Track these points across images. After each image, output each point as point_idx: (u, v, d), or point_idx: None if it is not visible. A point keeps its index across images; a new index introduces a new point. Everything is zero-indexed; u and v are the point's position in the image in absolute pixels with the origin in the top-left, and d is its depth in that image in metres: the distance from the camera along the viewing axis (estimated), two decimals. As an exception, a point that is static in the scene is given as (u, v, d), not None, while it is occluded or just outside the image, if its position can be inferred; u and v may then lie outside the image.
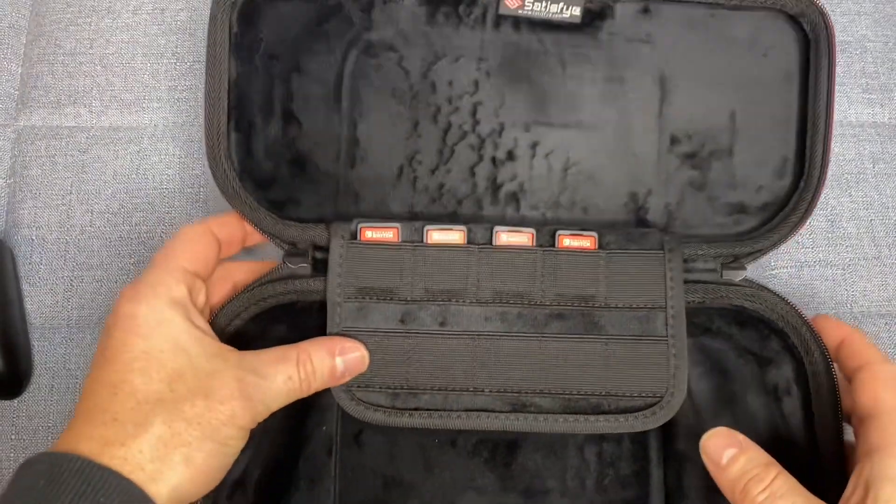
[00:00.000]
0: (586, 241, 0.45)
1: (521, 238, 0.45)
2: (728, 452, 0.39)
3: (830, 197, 0.53)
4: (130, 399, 0.38)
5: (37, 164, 0.48)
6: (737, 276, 0.46)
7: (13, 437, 0.48)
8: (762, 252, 0.46)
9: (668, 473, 0.47)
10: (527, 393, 0.43)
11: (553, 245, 0.45)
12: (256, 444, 0.45)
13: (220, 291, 0.46)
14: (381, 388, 0.43)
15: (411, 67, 0.46)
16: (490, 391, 0.43)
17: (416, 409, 0.43)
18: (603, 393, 0.43)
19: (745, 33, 0.47)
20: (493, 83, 0.46)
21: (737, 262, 0.46)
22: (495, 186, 0.47)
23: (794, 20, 0.46)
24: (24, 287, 0.49)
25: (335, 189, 0.47)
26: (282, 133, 0.46)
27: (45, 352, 0.50)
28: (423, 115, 0.47)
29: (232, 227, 0.45)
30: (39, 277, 0.49)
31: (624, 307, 0.44)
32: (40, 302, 0.49)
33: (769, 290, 0.46)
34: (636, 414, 0.43)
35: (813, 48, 0.46)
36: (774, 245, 0.46)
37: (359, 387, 0.43)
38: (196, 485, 0.38)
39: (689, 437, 0.47)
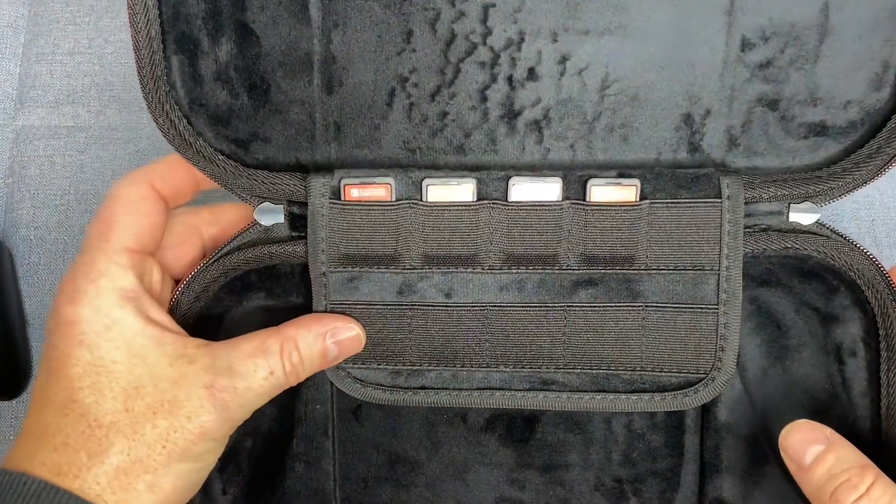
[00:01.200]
0: (627, 192, 0.36)
1: (544, 188, 0.36)
2: (813, 450, 0.33)
3: None
4: (81, 422, 0.32)
5: (35, 164, 0.47)
6: (807, 219, 0.38)
7: (13, 437, 0.47)
8: (843, 190, 0.38)
9: (706, 444, 0.42)
10: (550, 369, 0.37)
11: (583, 197, 0.36)
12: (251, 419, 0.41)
13: (186, 255, 0.38)
14: (379, 365, 0.37)
15: (400, -44, 0.34)
16: (506, 367, 0.37)
17: (421, 388, 0.37)
18: (638, 368, 0.37)
19: None
20: (511, -25, 0.35)
21: (808, 202, 0.38)
22: (513, 114, 0.37)
23: None
24: (23, 287, 0.48)
25: (310, 120, 0.37)
26: (237, 52, 0.36)
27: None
28: (418, 22, 0.35)
29: (178, 177, 0.36)
30: (38, 278, 0.48)
31: (668, 269, 0.36)
32: (39, 302, 0.48)
33: (844, 239, 0.38)
34: (675, 393, 0.37)
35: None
36: (859, 182, 0.37)
37: (354, 363, 0.37)
38: None
39: (733, 408, 0.41)
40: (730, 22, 0.36)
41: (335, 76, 0.36)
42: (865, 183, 0.37)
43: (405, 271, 0.36)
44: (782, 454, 0.35)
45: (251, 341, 0.34)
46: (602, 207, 0.36)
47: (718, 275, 0.36)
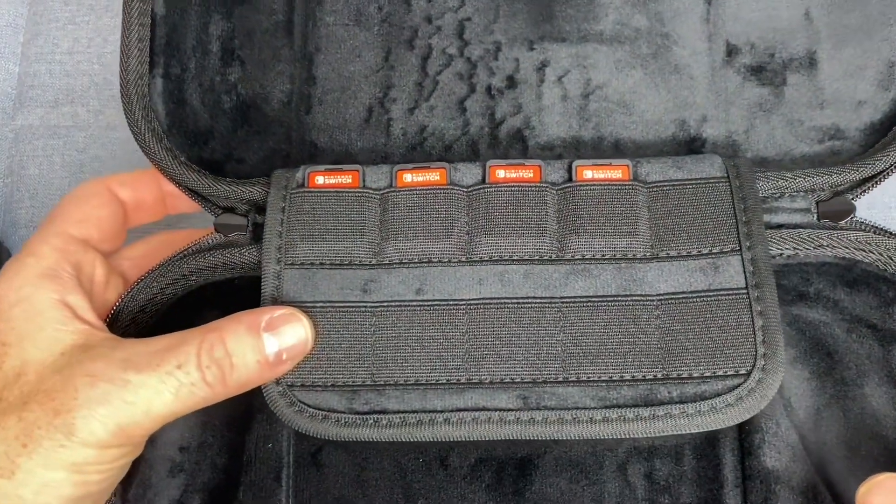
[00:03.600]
0: (615, 172, 0.32)
1: (524, 174, 0.33)
2: None
3: None
4: None
5: (34, 164, 0.46)
6: (842, 216, 0.33)
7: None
8: (872, 181, 0.33)
9: (751, 501, 0.32)
10: (544, 383, 0.30)
11: (570, 180, 0.32)
12: (193, 465, 0.34)
13: (150, 264, 0.35)
14: (333, 385, 0.30)
15: (379, -16, 0.37)
16: (490, 382, 0.30)
17: (382, 413, 0.30)
18: (659, 376, 0.29)
19: None
20: (484, -8, 0.36)
21: (837, 197, 0.33)
22: (494, 124, 0.36)
23: None
24: None
25: (286, 140, 0.36)
26: (221, 77, 0.37)
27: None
28: (396, 40, 0.36)
29: (141, 187, 0.35)
30: (36, 278, 0.44)
31: (678, 256, 0.31)
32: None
33: (891, 233, 0.32)
34: (713, 402, 0.29)
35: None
36: (889, 168, 0.33)
37: (303, 386, 0.30)
38: None
39: (782, 449, 0.32)
40: (710, 29, 0.35)
41: (314, 96, 0.36)
42: (893, 168, 0.33)
43: (372, 266, 0.32)
44: None
45: (170, 336, 0.29)
46: (592, 185, 0.32)
47: (741, 255, 0.30)
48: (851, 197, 0.33)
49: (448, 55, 0.36)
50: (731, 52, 0.35)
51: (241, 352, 0.29)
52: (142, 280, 0.33)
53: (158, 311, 0.33)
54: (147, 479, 0.33)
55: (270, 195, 0.33)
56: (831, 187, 0.33)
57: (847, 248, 0.32)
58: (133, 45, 0.35)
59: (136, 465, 0.33)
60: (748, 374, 0.29)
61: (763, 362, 0.29)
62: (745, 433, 0.33)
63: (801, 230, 0.32)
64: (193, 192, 0.34)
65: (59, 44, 0.47)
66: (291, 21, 0.37)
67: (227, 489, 0.34)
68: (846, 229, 0.32)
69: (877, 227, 0.32)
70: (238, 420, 0.34)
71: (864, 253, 0.32)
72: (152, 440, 0.33)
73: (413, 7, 0.36)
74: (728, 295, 0.30)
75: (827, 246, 0.32)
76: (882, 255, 0.31)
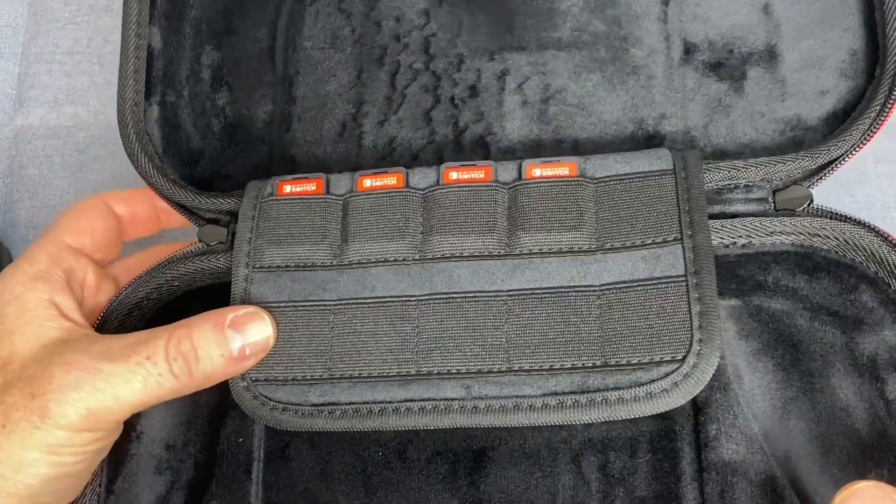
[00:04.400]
0: (563, 169, 0.33)
1: (475, 174, 0.34)
2: None
3: (832, 197, 0.42)
4: None
5: (34, 164, 0.46)
6: (799, 203, 0.32)
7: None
8: (827, 169, 0.32)
9: (708, 493, 0.31)
10: (488, 373, 0.30)
11: (520, 179, 0.33)
12: (178, 463, 0.36)
13: None
14: (293, 379, 0.32)
15: (352, 8, 0.39)
16: (438, 373, 0.31)
17: (335, 405, 0.31)
18: (597, 363, 0.30)
19: None
20: (447, 9, 0.38)
21: (793, 186, 0.32)
22: (457, 132, 0.37)
23: None
24: None
25: (268, 156, 0.39)
26: (210, 102, 0.40)
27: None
28: (368, 59, 0.39)
29: (136, 203, 0.38)
30: (36, 278, 0.45)
31: (622, 247, 0.31)
32: (36, 301, 0.44)
33: (850, 218, 0.31)
34: (647, 387, 0.29)
35: None
36: (842, 156, 0.32)
37: (266, 380, 0.32)
38: None
39: (739, 440, 0.31)
40: (667, 29, 0.36)
41: (294, 114, 0.39)
42: (853, 152, 0.32)
43: (332, 267, 0.33)
44: None
45: (144, 332, 0.31)
46: (540, 183, 0.33)
47: (682, 244, 0.30)
48: (809, 185, 0.32)
49: (415, 70, 0.38)
50: (689, 50, 0.36)
51: (206, 346, 0.31)
52: (129, 285, 0.36)
53: (145, 315, 0.36)
54: (133, 475, 0.35)
55: (243, 205, 0.35)
56: (787, 176, 0.32)
57: (802, 233, 0.31)
58: (129, 75, 0.38)
59: (123, 459, 0.35)
60: (683, 359, 0.29)
61: (699, 347, 0.29)
62: (701, 425, 0.32)
63: (757, 219, 0.32)
64: (180, 206, 0.37)
65: (59, 44, 0.47)
66: (274, 48, 0.40)
67: (205, 484, 0.36)
68: (804, 215, 0.32)
69: (834, 212, 0.32)
70: (216, 419, 0.36)
71: (820, 239, 0.31)
72: (139, 438, 0.36)
73: (383, 27, 0.38)
74: (667, 283, 0.30)
75: (780, 232, 0.31)
76: (839, 240, 0.31)
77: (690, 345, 0.29)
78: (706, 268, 0.30)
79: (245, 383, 0.32)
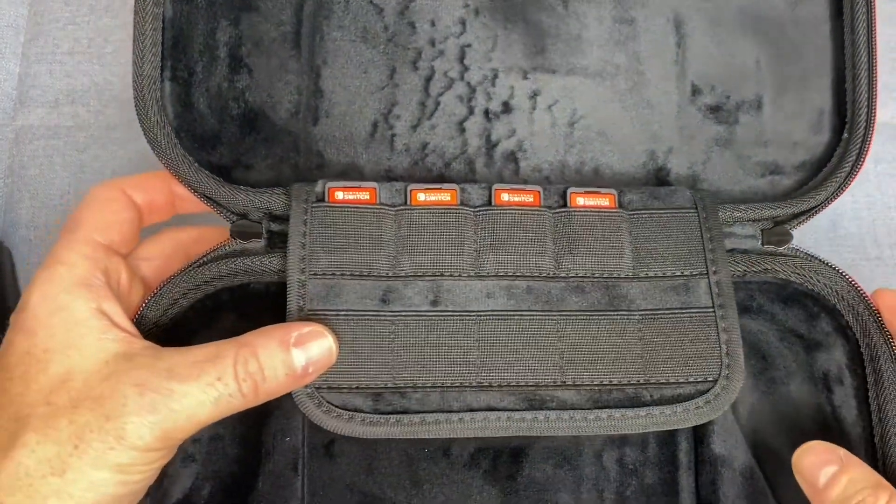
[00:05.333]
0: (604, 200, 0.37)
1: (525, 198, 0.37)
2: (826, 471, 0.32)
3: None
4: (3, 415, 0.29)
5: (34, 164, 0.46)
6: (782, 243, 0.39)
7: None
8: (806, 214, 0.39)
9: (702, 481, 0.39)
10: (545, 386, 0.34)
11: (565, 206, 0.37)
12: (204, 456, 0.36)
13: (169, 269, 0.36)
14: (357, 388, 0.33)
15: (385, 4, 0.39)
16: (499, 385, 0.34)
17: (404, 413, 0.33)
18: (642, 381, 0.34)
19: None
20: (483, 22, 0.39)
21: (778, 227, 0.39)
22: (490, 145, 0.39)
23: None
24: (23, 287, 0.43)
25: (294, 150, 0.38)
26: (228, 83, 0.38)
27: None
28: (401, 60, 0.39)
29: (153, 190, 0.36)
30: (37, 277, 0.43)
31: (655, 276, 0.36)
32: (37, 302, 0.43)
33: (821, 261, 0.38)
34: (686, 404, 0.34)
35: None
36: (819, 205, 0.39)
37: (329, 388, 0.33)
38: None
39: (726, 438, 0.38)
40: (679, 70, 0.40)
41: (321, 108, 0.38)
42: (828, 203, 0.39)
43: (389, 277, 0.35)
44: (796, 476, 0.33)
45: (205, 348, 0.31)
46: (584, 213, 0.36)
47: (708, 278, 0.36)
48: (790, 226, 0.39)
49: (449, 78, 0.39)
50: (695, 91, 0.40)
51: (272, 366, 0.31)
52: (164, 286, 0.34)
53: (178, 313, 0.35)
54: (163, 470, 0.35)
55: (293, 208, 0.35)
56: (773, 219, 0.39)
57: (785, 271, 0.38)
58: (147, 49, 0.35)
59: None
60: (715, 381, 0.34)
61: (727, 371, 0.35)
62: (698, 425, 0.39)
63: (750, 255, 0.38)
64: (208, 199, 0.36)
65: (59, 44, 0.47)
66: (299, 33, 0.38)
67: (241, 478, 0.37)
68: (785, 254, 0.38)
69: (808, 254, 0.39)
70: (251, 415, 0.37)
71: (797, 275, 0.38)
72: None
73: (417, 29, 0.39)
74: (698, 312, 0.35)
75: (770, 269, 0.38)
76: (811, 278, 0.38)
77: (720, 369, 0.34)
78: (730, 302, 0.35)
79: (308, 390, 0.33)
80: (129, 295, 0.34)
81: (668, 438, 0.39)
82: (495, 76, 0.39)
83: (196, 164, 0.36)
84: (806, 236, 0.49)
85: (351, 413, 0.33)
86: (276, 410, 0.37)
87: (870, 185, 0.48)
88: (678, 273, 0.36)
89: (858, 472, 0.32)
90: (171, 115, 0.36)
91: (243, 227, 0.36)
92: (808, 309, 0.39)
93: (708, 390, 0.34)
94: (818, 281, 0.38)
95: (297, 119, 0.38)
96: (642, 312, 0.35)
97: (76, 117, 0.46)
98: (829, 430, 0.38)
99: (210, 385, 0.30)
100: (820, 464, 0.32)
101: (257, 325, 0.35)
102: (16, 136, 0.46)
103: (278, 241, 0.36)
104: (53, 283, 0.31)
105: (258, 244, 0.36)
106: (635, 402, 0.34)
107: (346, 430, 0.33)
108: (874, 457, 0.37)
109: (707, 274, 0.36)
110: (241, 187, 0.36)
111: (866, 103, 0.39)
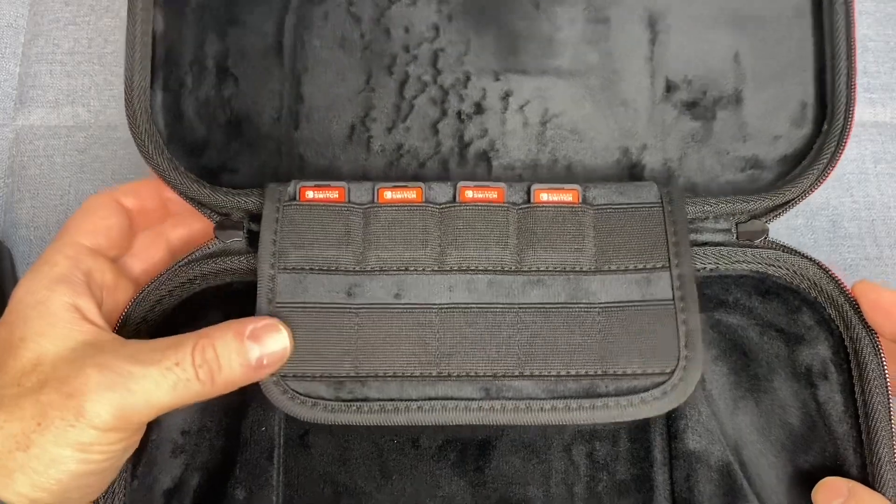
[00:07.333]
0: (567, 195, 0.37)
1: (489, 195, 0.38)
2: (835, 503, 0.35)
3: (832, 197, 0.49)
4: None
5: (35, 164, 0.46)
6: (756, 236, 0.38)
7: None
8: (783, 208, 0.39)
9: (676, 477, 0.38)
10: (503, 377, 0.35)
11: (529, 201, 0.38)
12: (193, 447, 0.38)
13: (151, 257, 0.39)
14: (321, 376, 0.35)
15: (362, 13, 0.40)
16: (458, 375, 0.35)
17: (364, 401, 0.35)
18: (598, 372, 0.35)
19: (744, -35, 0.40)
20: (456, 27, 0.40)
21: (753, 221, 0.39)
22: (462, 145, 0.40)
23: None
24: None
25: (276, 153, 0.40)
26: (215, 92, 0.40)
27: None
28: (377, 66, 0.40)
29: (144, 197, 0.39)
30: (37, 277, 0.45)
31: (618, 270, 0.36)
32: (37, 301, 0.45)
33: (798, 253, 0.38)
34: (641, 395, 0.34)
35: (826, -26, 0.39)
36: (796, 199, 0.39)
37: (294, 376, 0.35)
38: None
39: (702, 433, 0.38)
40: (652, 67, 0.41)
41: (302, 113, 0.40)
42: (804, 196, 0.39)
43: (355, 272, 0.36)
44: None
45: (168, 339, 0.33)
46: (547, 207, 0.37)
47: (670, 272, 0.36)
48: (766, 220, 0.39)
49: (423, 82, 0.40)
50: (670, 88, 0.41)
51: (227, 355, 0.33)
52: (149, 286, 0.37)
53: (165, 310, 0.37)
54: (153, 459, 0.37)
55: (265, 207, 0.37)
56: (749, 212, 0.39)
57: (760, 263, 0.37)
58: (137, 62, 0.38)
59: (144, 446, 0.37)
60: (672, 372, 0.34)
61: (685, 363, 0.34)
62: (671, 420, 0.39)
63: (722, 247, 0.38)
64: (192, 200, 0.38)
65: (59, 44, 0.47)
66: (281, 43, 0.41)
67: (223, 467, 0.38)
68: (760, 247, 0.38)
69: (785, 246, 0.38)
70: (234, 407, 0.39)
71: (774, 268, 0.38)
72: (158, 425, 0.38)
73: (392, 36, 0.40)
74: (658, 305, 0.35)
75: (743, 261, 0.37)
76: (788, 270, 0.37)
77: (678, 360, 0.34)
78: (690, 294, 0.35)
79: (275, 378, 0.35)
80: (115, 293, 0.37)
81: (640, 434, 0.39)
82: (467, 78, 0.40)
83: (182, 169, 0.38)
84: (806, 237, 0.49)
85: (314, 400, 0.35)
86: (253, 402, 0.39)
87: (869, 186, 0.48)
88: (641, 266, 0.36)
89: (864, 501, 0.34)
90: (162, 125, 0.39)
91: (225, 227, 0.38)
92: (789, 302, 0.38)
93: (665, 381, 0.34)
94: (795, 272, 0.37)
95: (280, 124, 0.40)
96: (603, 305, 0.36)
97: (76, 117, 0.47)
98: (815, 427, 0.37)
99: (168, 370, 0.32)
100: (828, 499, 0.35)
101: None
102: (16, 136, 0.47)
103: (257, 240, 0.38)
104: (36, 279, 0.34)
105: (239, 243, 0.38)
106: (591, 393, 0.34)
107: (309, 417, 0.35)
108: (862, 454, 0.36)
109: (669, 267, 0.36)
110: (223, 189, 0.38)
111: (845, 93, 0.39)
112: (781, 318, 0.38)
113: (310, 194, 0.37)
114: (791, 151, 0.40)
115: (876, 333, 0.36)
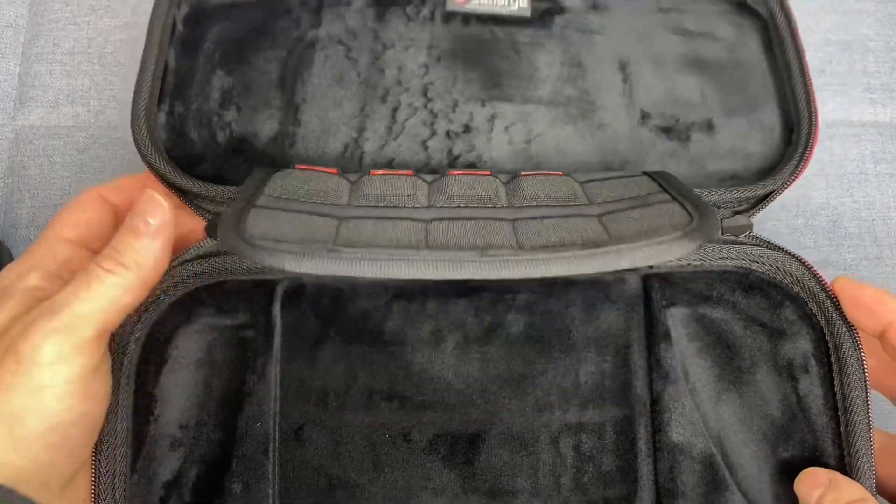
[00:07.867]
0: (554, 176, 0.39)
1: (478, 177, 0.39)
2: (815, 493, 0.34)
3: (832, 197, 0.50)
4: None
5: (35, 164, 0.46)
6: (741, 231, 0.39)
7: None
8: (764, 200, 0.40)
9: (660, 468, 0.37)
10: (498, 246, 0.31)
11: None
12: (191, 441, 0.37)
13: None
14: (299, 240, 0.31)
15: (360, 58, 0.45)
16: (447, 246, 0.32)
17: (349, 246, 0.30)
18: (606, 237, 0.32)
19: (699, 27, 0.46)
20: (445, 65, 0.44)
21: (737, 216, 0.39)
22: (452, 157, 0.42)
23: (742, 6, 0.45)
24: None
25: (271, 166, 0.42)
26: (217, 118, 0.43)
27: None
28: (371, 97, 0.44)
29: (129, 191, 0.39)
30: (36, 277, 0.44)
31: (612, 199, 0.36)
32: (37, 301, 0.42)
33: (781, 249, 0.38)
34: (661, 238, 0.30)
35: (772, 28, 0.45)
36: (777, 190, 0.40)
37: (264, 237, 0.31)
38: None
39: (685, 426, 0.37)
40: (627, 100, 0.44)
41: (299, 134, 0.43)
42: (785, 187, 0.40)
43: (343, 205, 0.36)
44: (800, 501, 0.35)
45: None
46: (534, 175, 0.38)
47: (666, 192, 0.36)
48: (749, 215, 0.39)
49: (414, 107, 0.43)
50: (645, 116, 0.43)
51: (118, 238, 0.33)
52: None
53: (158, 312, 0.37)
54: (152, 453, 0.36)
55: (253, 171, 0.38)
56: (732, 207, 0.39)
57: (744, 259, 0.38)
58: (145, 89, 0.41)
59: (143, 440, 0.36)
60: (689, 223, 0.31)
61: (697, 213, 0.32)
62: (655, 413, 0.38)
63: (707, 244, 0.38)
64: (184, 195, 0.39)
65: (59, 44, 0.48)
66: (284, 79, 0.44)
67: (221, 460, 0.37)
68: (744, 243, 0.38)
69: (768, 242, 0.38)
70: (230, 403, 0.37)
71: (758, 264, 0.38)
72: (156, 419, 0.37)
73: (386, 74, 0.44)
74: (657, 202, 0.34)
75: (727, 258, 0.38)
76: (772, 266, 0.38)
77: (691, 217, 0.32)
78: (689, 193, 0.34)
79: (244, 238, 0.30)
80: None
81: (626, 426, 0.38)
82: (455, 105, 0.43)
83: (179, 170, 0.39)
84: (806, 236, 0.48)
85: (298, 253, 0.29)
86: (248, 398, 0.38)
87: (869, 186, 0.48)
88: (634, 195, 0.36)
89: (841, 490, 0.34)
90: (163, 139, 0.41)
91: (215, 225, 0.38)
92: (772, 297, 0.38)
93: (686, 226, 0.31)
94: (779, 269, 0.38)
95: (277, 143, 0.42)
96: (601, 213, 0.34)
97: (76, 117, 0.47)
98: (795, 419, 0.36)
99: (77, 280, 0.32)
100: (810, 489, 0.35)
101: (234, 321, 0.38)
102: (16, 136, 0.47)
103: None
104: (14, 266, 0.35)
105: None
106: (600, 244, 0.31)
107: (274, 263, 0.29)
108: (840, 446, 0.35)
109: (665, 191, 0.35)
110: (217, 186, 0.39)
111: (807, 123, 0.42)
112: (764, 313, 0.38)
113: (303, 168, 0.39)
114: (766, 165, 0.42)
115: (855, 329, 0.36)
